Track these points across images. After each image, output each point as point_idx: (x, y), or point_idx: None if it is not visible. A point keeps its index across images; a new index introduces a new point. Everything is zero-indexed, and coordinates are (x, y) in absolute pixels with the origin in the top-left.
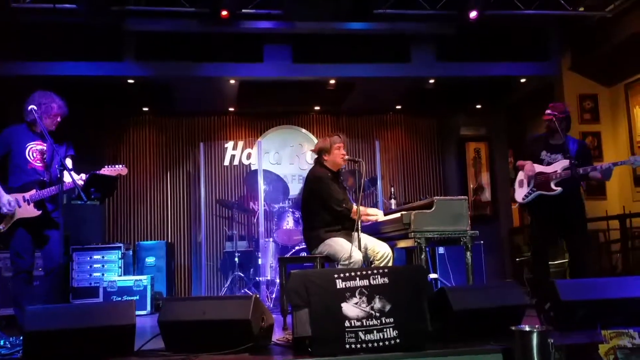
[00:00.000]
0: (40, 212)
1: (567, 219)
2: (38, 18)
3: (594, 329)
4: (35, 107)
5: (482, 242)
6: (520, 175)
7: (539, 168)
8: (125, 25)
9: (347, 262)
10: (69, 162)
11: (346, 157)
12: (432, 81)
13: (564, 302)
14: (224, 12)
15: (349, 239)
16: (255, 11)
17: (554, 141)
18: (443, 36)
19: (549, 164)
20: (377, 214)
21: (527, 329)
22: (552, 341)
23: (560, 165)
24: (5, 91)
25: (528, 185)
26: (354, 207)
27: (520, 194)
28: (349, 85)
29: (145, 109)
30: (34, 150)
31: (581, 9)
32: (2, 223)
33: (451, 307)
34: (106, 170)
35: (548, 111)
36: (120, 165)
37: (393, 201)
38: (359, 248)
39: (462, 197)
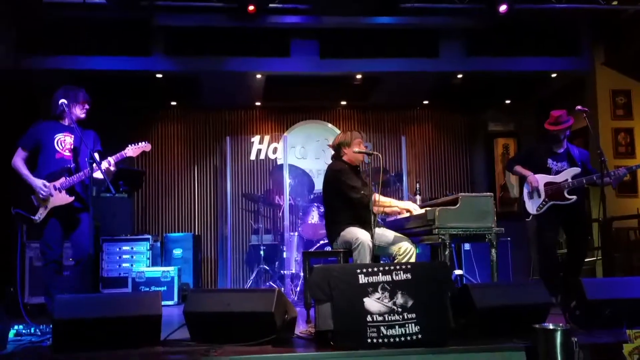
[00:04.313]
0: (73, 197)
1: (574, 220)
2: (69, 13)
3: (620, 328)
4: (64, 100)
5: (509, 238)
6: (528, 188)
7: (545, 178)
8: (154, 20)
9: (356, 245)
10: (96, 157)
11: (356, 149)
12: (460, 76)
13: (590, 301)
14: (251, 7)
15: (366, 230)
16: (282, 6)
17: (558, 149)
18: (472, 30)
19: (557, 172)
20: (408, 207)
21: (551, 327)
22: (575, 340)
23: (570, 173)
24: (37, 85)
25: (539, 197)
26: (375, 195)
27: (533, 206)
28: (375, 80)
29: (173, 103)
30: (62, 141)
31: (614, 2)
32: (37, 213)
33: (474, 304)
34: (130, 149)
35: (565, 118)
36: (144, 143)
37: (418, 197)
38: (374, 239)
39: (488, 193)
